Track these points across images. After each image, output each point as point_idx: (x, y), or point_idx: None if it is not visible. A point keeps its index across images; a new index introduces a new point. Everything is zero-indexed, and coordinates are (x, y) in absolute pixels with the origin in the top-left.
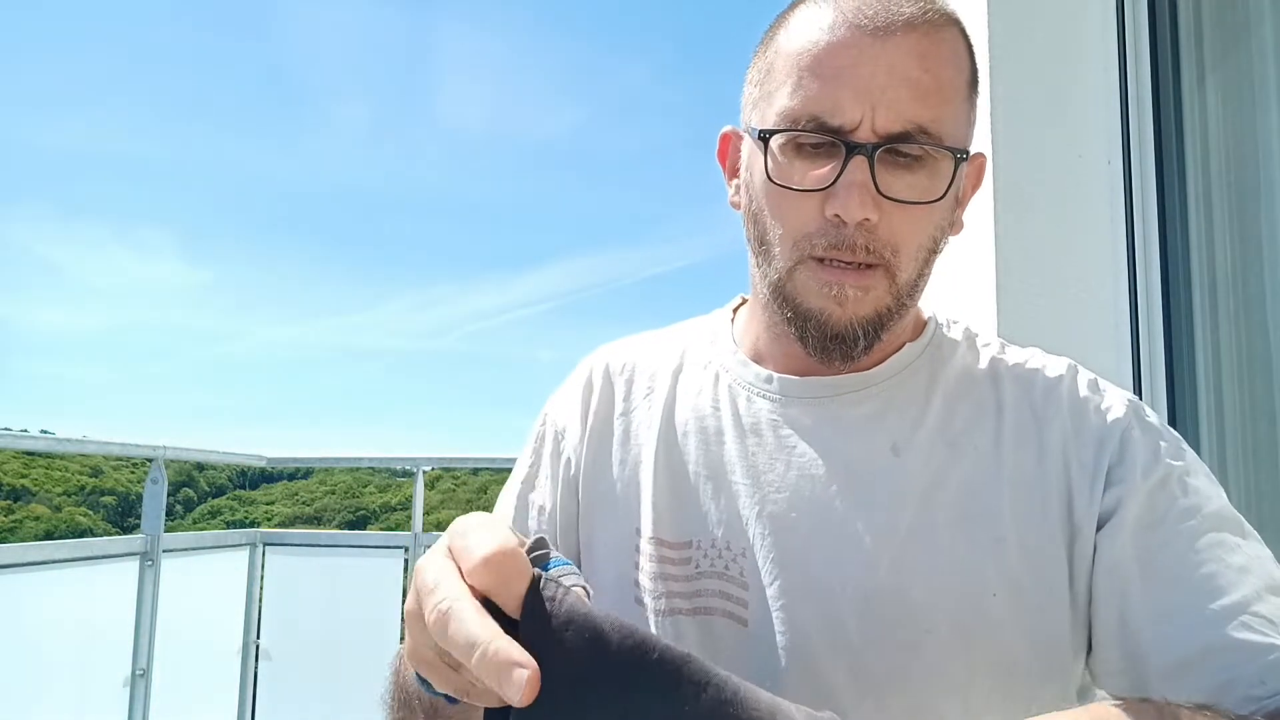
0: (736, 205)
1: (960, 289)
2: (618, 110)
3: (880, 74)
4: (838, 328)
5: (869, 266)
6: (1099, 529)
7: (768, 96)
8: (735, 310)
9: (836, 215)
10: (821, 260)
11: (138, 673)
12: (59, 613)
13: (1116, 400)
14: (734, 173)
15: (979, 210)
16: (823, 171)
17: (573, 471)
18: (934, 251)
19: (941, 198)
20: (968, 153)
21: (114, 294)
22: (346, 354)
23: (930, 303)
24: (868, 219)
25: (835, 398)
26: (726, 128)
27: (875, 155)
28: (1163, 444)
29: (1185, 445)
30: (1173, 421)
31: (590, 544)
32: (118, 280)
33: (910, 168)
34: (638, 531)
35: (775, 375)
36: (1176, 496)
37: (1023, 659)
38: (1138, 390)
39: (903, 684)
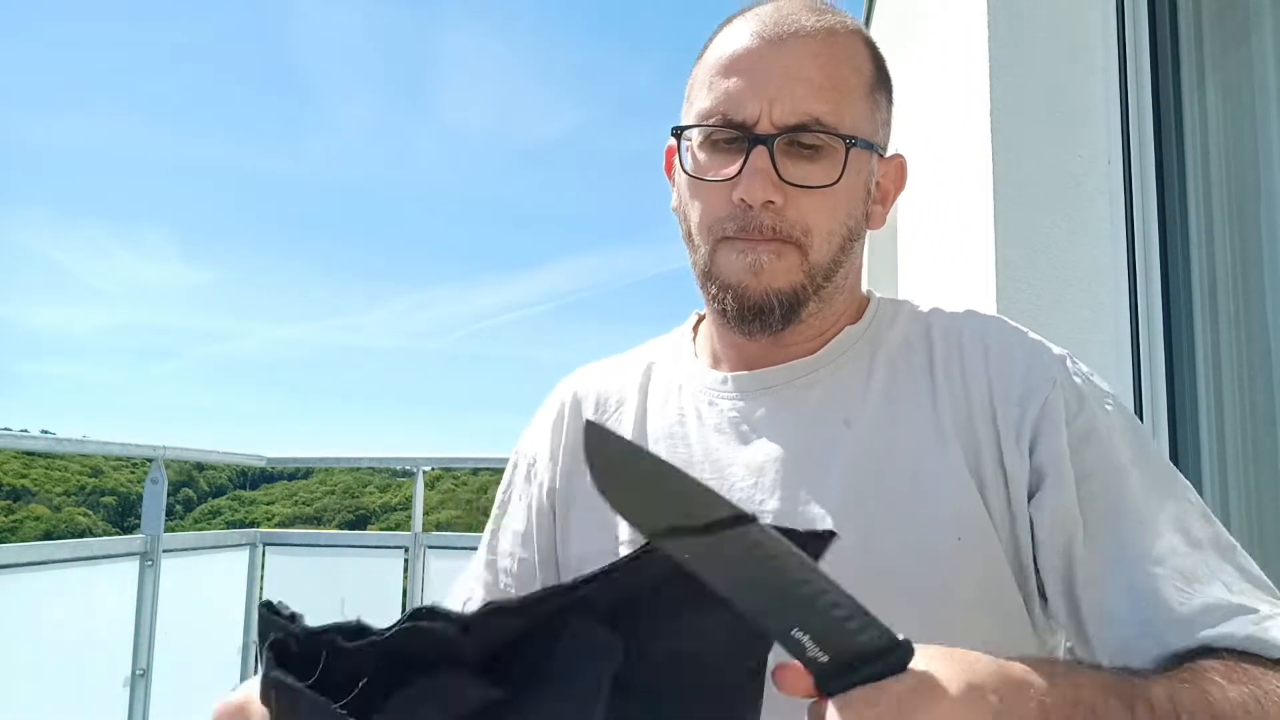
0: (675, 209)
1: (960, 289)
2: (619, 111)
3: (776, 74)
4: (754, 298)
5: (782, 242)
6: (1035, 484)
7: (689, 103)
8: (695, 326)
9: (742, 199)
10: (734, 238)
11: (138, 673)
12: (59, 613)
13: (1044, 355)
14: (674, 177)
15: (979, 210)
16: (731, 164)
17: (545, 492)
18: (849, 239)
19: (837, 181)
20: (864, 141)
21: (115, 294)
22: (347, 354)
23: (931, 302)
24: (771, 201)
25: (788, 384)
26: (670, 142)
27: (774, 144)
28: (1089, 399)
29: (1112, 398)
30: (1172, 421)
31: (571, 556)
32: (118, 280)
33: (810, 157)
34: (617, 538)
35: (729, 375)
36: (1105, 453)
37: (971, 597)
38: (1138, 390)
39: None
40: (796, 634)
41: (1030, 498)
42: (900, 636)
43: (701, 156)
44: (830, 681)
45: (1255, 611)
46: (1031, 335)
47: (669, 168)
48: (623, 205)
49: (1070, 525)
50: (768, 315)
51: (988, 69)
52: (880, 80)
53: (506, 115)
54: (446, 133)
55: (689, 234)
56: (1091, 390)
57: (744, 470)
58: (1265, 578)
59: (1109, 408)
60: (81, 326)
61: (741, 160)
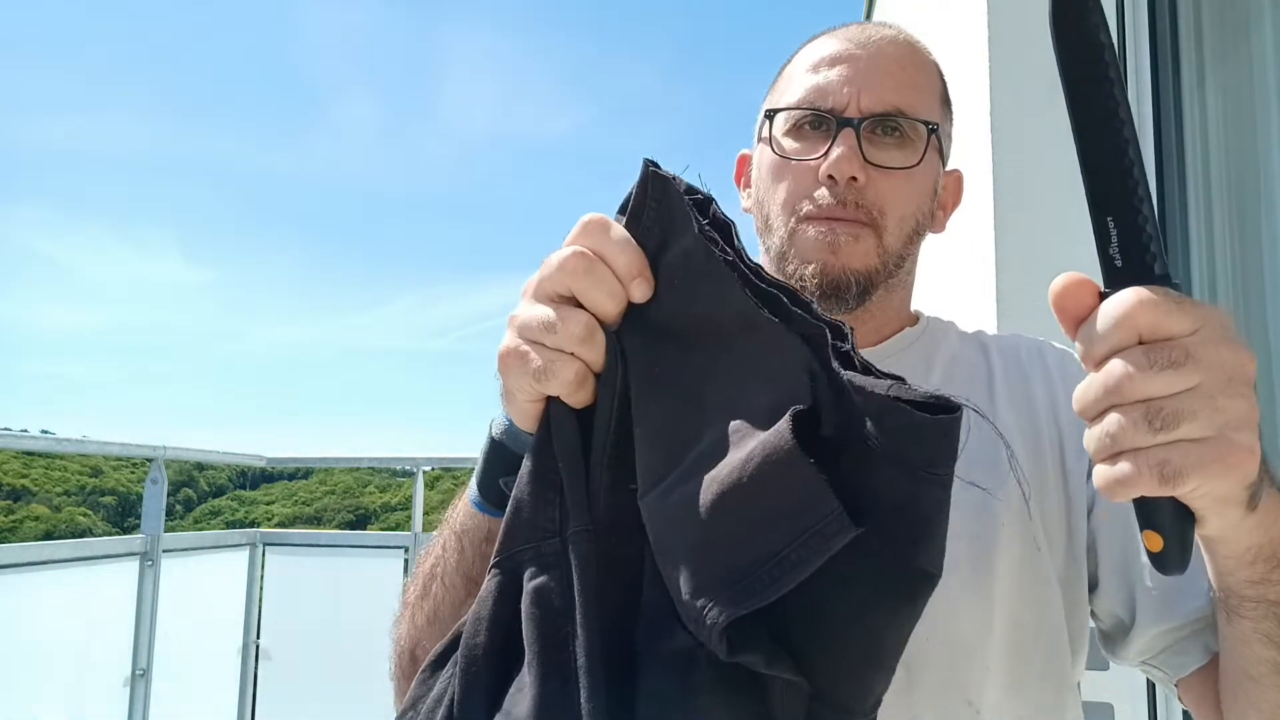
0: (748, 210)
1: (960, 289)
2: (622, 110)
3: (863, 67)
4: (832, 274)
5: (861, 224)
6: (1092, 499)
7: (776, 98)
8: None
9: (830, 176)
10: (817, 219)
11: (138, 673)
12: (59, 613)
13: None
14: (746, 184)
15: (979, 210)
16: (819, 148)
17: None
18: (917, 232)
19: (917, 164)
20: (938, 126)
21: (115, 293)
22: (348, 354)
23: (931, 301)
24: (854, 178)
25: None
26: (742, 150)
27: (861, 128)
28: None
29: None
30: None
31: None
32: (119, 279)
33: (893, 143)
34: None
35: None
36: None
37: (1006, 572)
38: None
39: (930, 624)
40: (1110, 222)
41: (1091, 500)
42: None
43: (788, 142)
44: (1120, 284)
45: None
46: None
47: (739, 176)
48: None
49: (1126, 546)
50: (844, 292)
51: (988, 69)
52: (947, 96)
53: (509, 113)
54: (449, 131)
55: (766, 220)
56: None
57: None
58: None
59: None
60: (82, 326)
61: (829, 142)
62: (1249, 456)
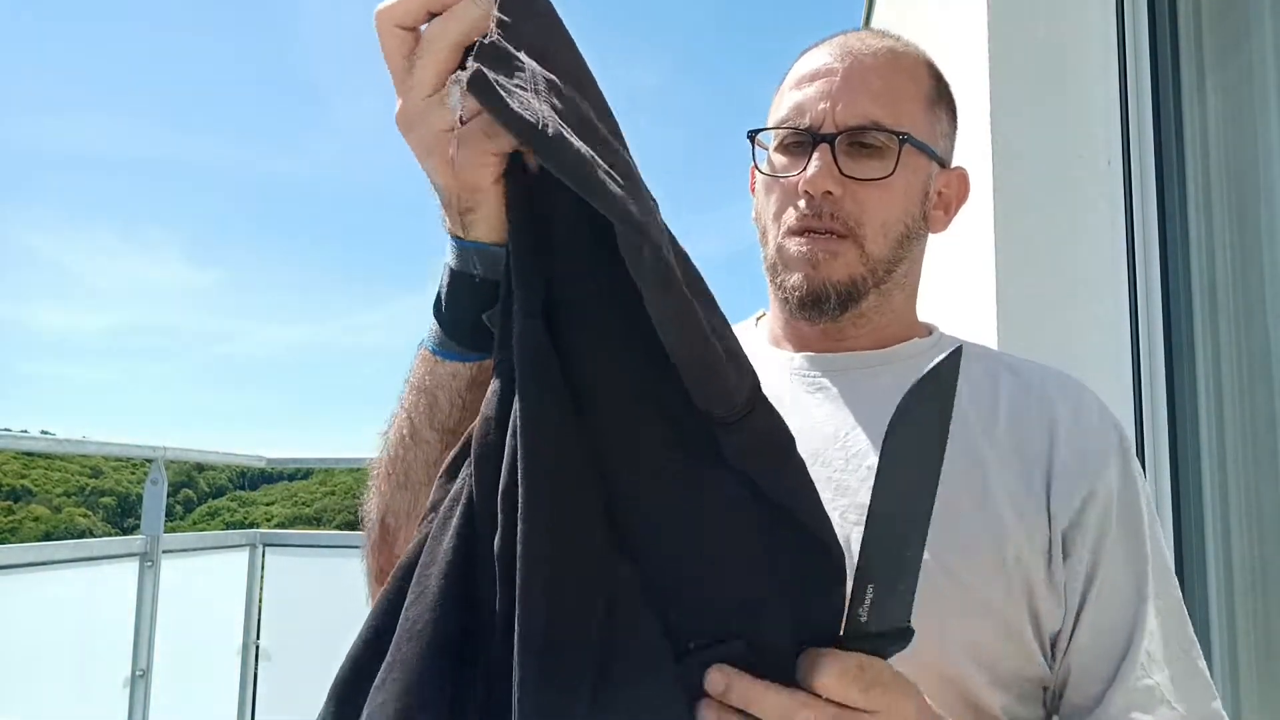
0: (755, 220)
1: (960, 289)
2: (624, 112)
3: (839, 82)
4: (812, 287)
5: (839, 236)
6: (1069, 525)
7: (769, 115)
8: (757, 320)
9: (806, 190)
10: (798, 233)
11: (138, 673)
12: (59, 613)
13: (1109, 421)
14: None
15: (979, 210)
16: (800, 164)
17: None
18: (907, 236)
19: (890, 175)
20: (918, 141)
21: (117, 295)
22: (349, 354)
23: (930, 302)
24: (830, 192)
25: (860, 369)
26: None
27: (836, 143)
28: (1139, 480)
29: (1146, 488)
30: (1172, 422)
31: None
32: (122, 281)
33: (870, 155)
34: None
35: (797, 355)
36: (1135, 533)
37: (992, 596)
38: (1137, 390)
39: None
40: (869, 590)
41: (1064, 541)
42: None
43: (776, 160)
44: (851, 642)
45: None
46: (1098, 400)
47: (752, 187)
48: None
49: (1084, 587)
50: (824, 303)
51: (988, 69)
52: (940, 96)
53: None
54: None
55: (763, 232)
56: (1140, 474)
57: (828, 425)
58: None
59: (1145, 497)
60: (83, 328)
61: (808, 159)
62: None
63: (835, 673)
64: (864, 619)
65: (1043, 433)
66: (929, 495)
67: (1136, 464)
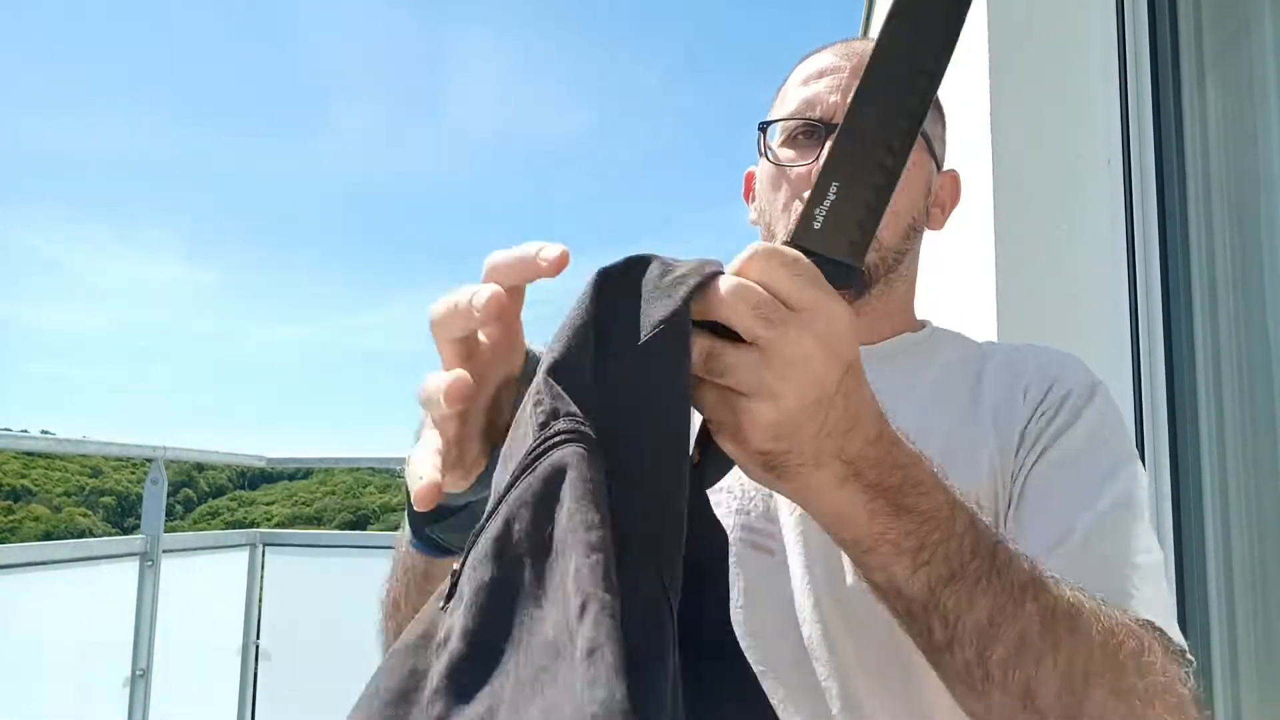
0: (754, 223)
1: (960, 289)
2: (627, 112)
3: (848, 78)
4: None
5: None
6: (1020, 448)
7: (772, 113)
8: None
9: None
10: None
11: (138, 673)
12: (59, 613)
13: (1079, 372)
14: (752, 198)
15: (979, 210)
16: (811, 155)
17: None
18: (912, 228)
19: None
20: (922, 133)
21: (117, 294)
22: (349, 354)
23: (930, 301)
24: None
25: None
26: (750, 168)
27: None
28: (1109, 400)
29: (1128, 435)
30: (1172, 420)
31: None
32: (121, 281)
33: None
34: None
35: None
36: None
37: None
38: (1137, 390)
39: None
40: (832, 189)
41: (1017, 465)
42: (861, 268)
43: (784, 152)
44: (797, 243)
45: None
46: (1074, 356)
47: (746, 192)
48: (631, 207)
49: (1031, 496)
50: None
51: (988, 69)
52: (937, 106)
53: (513, 115)
54: (452, 132)
55: (769, 227)
56: (1107, 418)
57: None
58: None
59: (1116, 439)
60: (83, 327)
61: (821, 148)
62: (754, 437)
63: (765, 253)
64: (818, 224)
65: (1017, 394)
66: (914, 118)
67: (1108, 394)
